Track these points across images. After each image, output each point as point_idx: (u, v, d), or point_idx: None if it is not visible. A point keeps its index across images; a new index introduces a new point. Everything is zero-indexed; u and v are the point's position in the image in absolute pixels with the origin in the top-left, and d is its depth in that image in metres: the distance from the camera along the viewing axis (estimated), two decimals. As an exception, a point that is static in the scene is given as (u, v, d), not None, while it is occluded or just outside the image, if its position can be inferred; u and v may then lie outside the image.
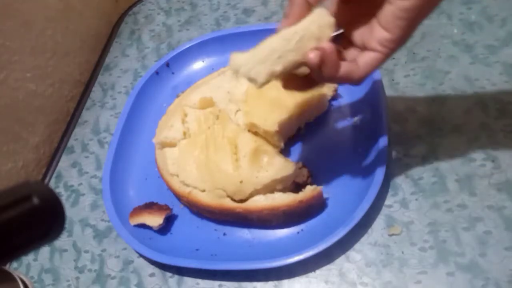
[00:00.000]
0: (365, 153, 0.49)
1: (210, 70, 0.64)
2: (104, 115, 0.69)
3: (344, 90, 0.56)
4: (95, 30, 0.80)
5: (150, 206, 0.52)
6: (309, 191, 0.46)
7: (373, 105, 0.51)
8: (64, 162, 0.65)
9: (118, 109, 0.68)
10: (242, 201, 0.47)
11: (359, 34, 0.36)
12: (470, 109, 0.50)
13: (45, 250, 0.57)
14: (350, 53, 0.37)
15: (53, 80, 0.70)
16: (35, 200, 0.21)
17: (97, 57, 0.79)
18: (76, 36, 0.75)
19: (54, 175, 0.64)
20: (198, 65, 0.67)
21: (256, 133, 0.51)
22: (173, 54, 0.66)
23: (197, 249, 0.49)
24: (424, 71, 0.55)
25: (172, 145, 0.54)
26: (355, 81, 0.35)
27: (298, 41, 0.33)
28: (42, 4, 0.67)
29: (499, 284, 0.40)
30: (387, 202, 0.47)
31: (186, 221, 0.53)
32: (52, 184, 0.63)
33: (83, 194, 0.61)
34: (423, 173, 0.48)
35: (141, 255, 0.52)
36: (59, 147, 0.68)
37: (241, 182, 0.46)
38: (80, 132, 0.68)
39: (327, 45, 0.33)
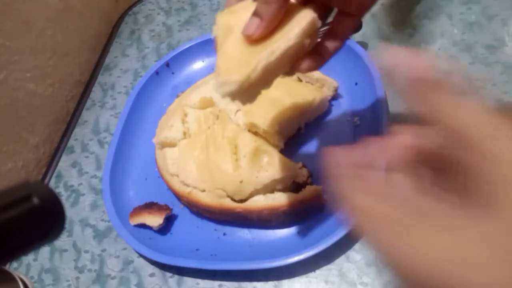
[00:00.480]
0: (365, 153, 0.49)
1: (210, 70, 0.64)
2: (104, 115, 0.69)
3: (344, 90, 0.56)
4: (95, 30, 0.80)
5: (150, 206, 0.52)
6: (309, 191, 0.46)
7: (373, 105, 0.51)
8: (64, 162, 0.65)
9: (118, 109, 0.68)
10: (242, 201, 0.47)
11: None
12: (470, 109, 0.50)
13: (45, 250, 0.57)
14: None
15: (53, 80, 0.70)
16: (35, 200, 0.21)
17: (97, 57, 0.79)
18: (76, 36, 0.75)
19: (54, 175, 0.64)
20: (198, 65, 0.67)
21: (256, 133, 0.51)
22: (173, 54, 0.66)
23: (197, 249, 0.49)
24: (424, 71, 0.55)
25: (172, 145, 0.54)
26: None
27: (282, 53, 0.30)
28: (42, 4, 0.67)
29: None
30: (387, 202, 0.47)
31: (186, 221, 0.53)
32: (52, 184, 0.63)
33: (83, 194, 0.61)
34: (423, 173, 0.48)
35: (141, 255, 0.52)
36: (59, 147, 0.68)
37: (241, 182, 0.46)
38: (80, 132, 0.68)
39: None
